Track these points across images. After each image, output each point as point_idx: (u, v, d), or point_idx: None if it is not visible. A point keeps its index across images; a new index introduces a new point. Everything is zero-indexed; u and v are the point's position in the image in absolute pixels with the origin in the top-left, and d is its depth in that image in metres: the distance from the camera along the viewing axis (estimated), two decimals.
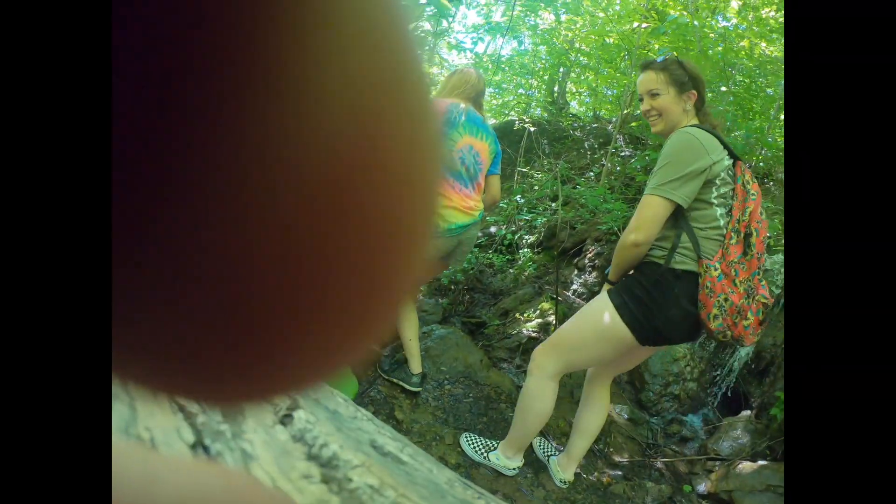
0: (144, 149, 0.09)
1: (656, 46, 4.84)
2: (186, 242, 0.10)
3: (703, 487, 2.32)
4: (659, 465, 2.48)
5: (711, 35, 4.19)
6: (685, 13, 4.25)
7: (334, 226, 0.11)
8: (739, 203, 1.70)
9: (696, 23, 3.88)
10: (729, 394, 2.88)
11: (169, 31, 0.09)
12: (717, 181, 1.69)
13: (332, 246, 0.11)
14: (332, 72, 0.10)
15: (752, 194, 1.70)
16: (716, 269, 1.66)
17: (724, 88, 4.36)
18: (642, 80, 1.88)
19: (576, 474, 2.22)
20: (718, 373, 2.92)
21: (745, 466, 2.28)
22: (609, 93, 6.32)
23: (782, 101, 4.04)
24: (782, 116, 4.34)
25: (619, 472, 2.38)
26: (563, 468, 2.18)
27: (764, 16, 4.57)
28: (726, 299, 1.65)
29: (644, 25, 4.54)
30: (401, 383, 2.52)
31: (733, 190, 1.72)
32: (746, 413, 2.68)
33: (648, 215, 1.70)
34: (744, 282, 1.67)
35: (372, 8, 0.11)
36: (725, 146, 1.75)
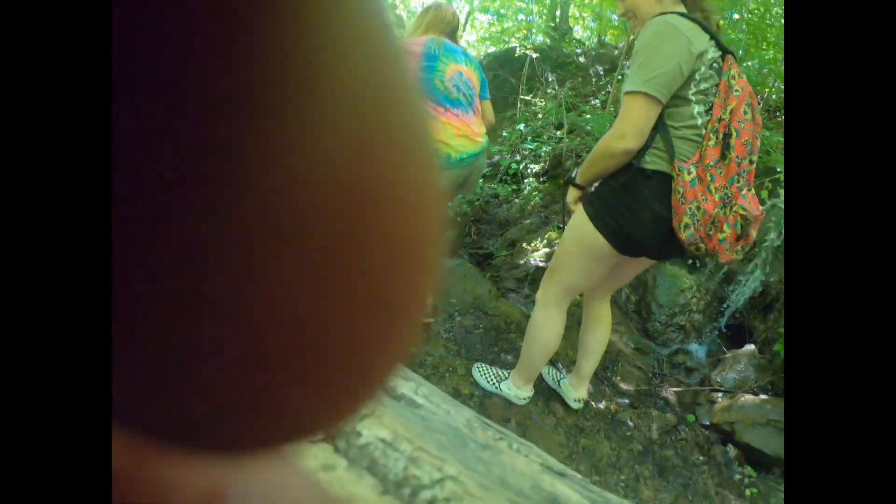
0: (137, 177, 0.09)
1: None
2: (187, 271, 0.10)
3: (706, 418, 2.40)
4: (664, 394, 2.55)
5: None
6: None
7: (340, 251, 0.11)
8: (721, 101, 1.50)
9: None
10: (731, 327, 2.93)
11: (165, 37, 0.09)
12: (697, 75, 1.50)
13: (337, 269, 0.11)
14: (327, 86, 0.10)
15: (736, 90, 1.49)
16: (690, 173, 1.49)
17: (736, 16, 4.20)
18: None
19: (585, 401, 2.28)
20: (726, 305, 2.96)
21: (748, 399, 2.35)
22: (615, 17, 6.09)
23: None
24: None
25: (626, 401, 2.45)
26: (575, 388, 2.21)
27: None
28: (699, 207, 1.48)
29: None
30: None
31: (716, 86, 1.52)
32: (750, 347, 2.74)
33: (639, 118, 1.49)
34: (720, 189, 1.49)
35: (362, 18, 0.11)
36: (713, 36, 1.53)
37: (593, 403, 2.36)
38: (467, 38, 7.17)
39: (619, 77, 4.71)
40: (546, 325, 1.95)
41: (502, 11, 6.51)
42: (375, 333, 0.12)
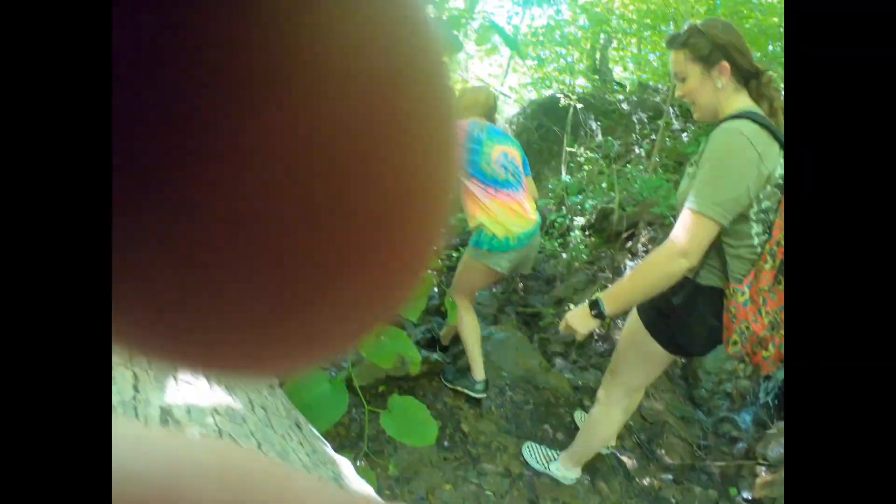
0: (150, 139, 0.09)
1: (702, 11, 4.62)
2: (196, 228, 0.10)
3: (748, 492, 2.49)
4: (709, 468, 2.64)
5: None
6: None
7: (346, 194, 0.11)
8: (783, 222, 1.43)
9: None
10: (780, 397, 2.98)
11: (171, 20, 0.09)
12: (762, 195, 1.43)
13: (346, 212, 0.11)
14: (339, 60, 0.10)
15: None
16: (743, 294, 1.48)
17: None
18: (671, 63, 1.61)
19: (630, 478, 2.41)
20: (769, 378, 3.02)
21: None
22: (653, 58, 6.12)
23: None
24: None
25: (670, 476, 2.56)
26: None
27: None
28: (748, 327, 1.49)
29: None
30: (465, 391, 2.73)
31: (779, 202, 1.45)
32: None
33: (703, 238, 1.43)
34: (770, 313, 1.49)
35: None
36: (782, 144, 1.42)
37: (637, 479, 2.49)
38: (509, 82, 7.33)
39: (663, 125, 4.77)
40: (604, 423, 2.06)
41: (542, 54, 6.64)
42: (387, 256, 0.12)
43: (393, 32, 0.11)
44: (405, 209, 0.12)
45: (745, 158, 1.39)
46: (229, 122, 0.09)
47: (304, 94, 0.10)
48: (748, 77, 1.52)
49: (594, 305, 1.57)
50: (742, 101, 1.52)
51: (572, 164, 5.26)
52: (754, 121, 1.42)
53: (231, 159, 0.10)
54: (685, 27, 1.58)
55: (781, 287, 1.50)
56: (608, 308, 1.56)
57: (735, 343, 1.53)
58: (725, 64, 1.49)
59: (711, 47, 1.49)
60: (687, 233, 1.45)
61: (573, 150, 5.33)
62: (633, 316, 1.81)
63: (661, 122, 4.88)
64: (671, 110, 5.24)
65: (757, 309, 1.49)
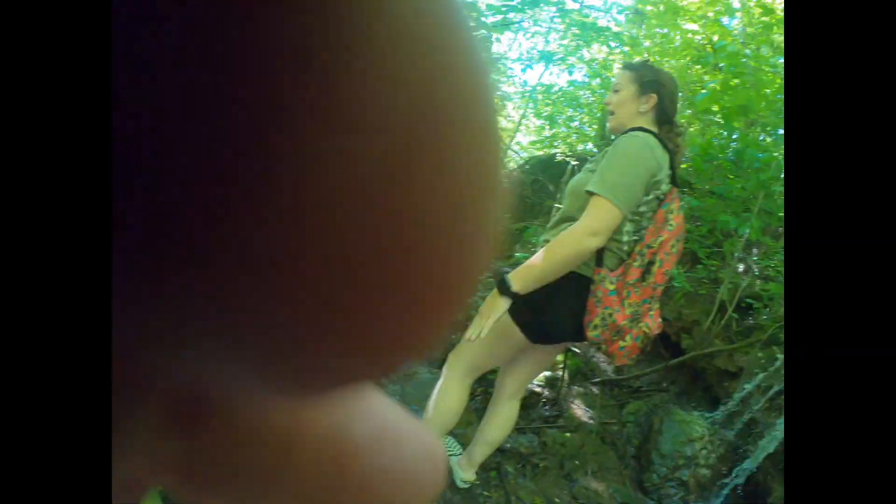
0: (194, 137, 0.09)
1: (707, 78, 4.47)
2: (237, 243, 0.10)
3: None
4: None
5: (767, 69, 3.76)
6: (736, 41, 3.88)
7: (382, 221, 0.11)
8: (655, 229, 1.62)
9: (747, 51, 3.49)
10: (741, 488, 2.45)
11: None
12: (644, 199, 1.61)
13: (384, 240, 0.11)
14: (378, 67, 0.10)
15: (671, 225, 1.63)
16: (612, 283, 1.61)
17: (781, 131, 3.90)
18: (615, 77, 1.85)
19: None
20: (737, 465, 2.50)
21: None
22: None
23: None
24: None
25: None
26: (464, 469, 2.17)
27: None
28: (611, 314, 1.60)
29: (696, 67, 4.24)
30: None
31: (654, 212, 1.63)
32: None
33: (609, 220, 1.54)
34: (633, 304, 1.63)
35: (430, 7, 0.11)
36: (673, 170, 1.66)
37: None
38: (519, 138, 7.21)
39: None
40: (447, 393, 1.91)
41: (555, 116, 6.55)
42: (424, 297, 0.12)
43: (440, 61, 0.11)
44: (444, 241, 0.12)
45: (644, 159, 1.58)
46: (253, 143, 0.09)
47: (342, 126, 0.10)
48: (664, 121, 1.73)
49: (501, 284, 1.58)
50: (651, 128, 1.72)
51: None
52: (656, 137, 1.64)
53: (258, 181, 0.10)
54: (643, 59, 1.89)
55: (646, 283, 1.63)
56: (516, 285, 1.56)
57: (595, 328, 1.62)
58: (654, 97, 1.70)
59: (652, 81, 1.71)
60: (597, 214, 1.54)
61: (560, 206, 5.02)
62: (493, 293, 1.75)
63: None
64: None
65: (621, 300, 1.61)
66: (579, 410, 2.99)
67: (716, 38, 4.40)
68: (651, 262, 1.63)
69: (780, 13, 4.06)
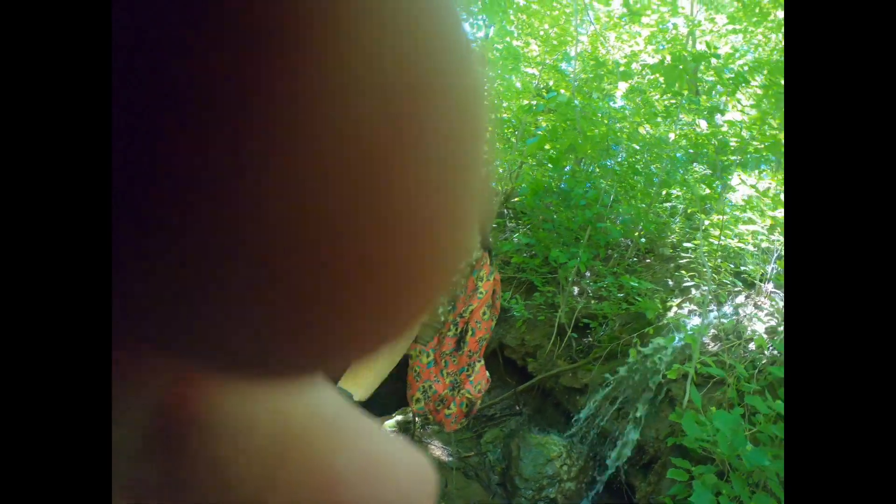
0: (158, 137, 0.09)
1: (540, 120, 4.87)
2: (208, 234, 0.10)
3: None
4: None
5: (597, 116, 4.22)
6: (567, 91, 4.31)
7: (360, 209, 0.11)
8: (466, 297, 1.64)
9: (576, 101, 3.88)
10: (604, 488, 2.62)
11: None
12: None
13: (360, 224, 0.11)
14: (365, 61, 0.10)
15: (481, 292, 1.63)
16: (428, 357, 1.62)
17: (611, 163, 4.38)
18: None
19: None
20: (596, 474, 2.67)
21: None
22: (497, 164, 6.33)
23: (665, 178, 4.10)
24: (664, 192, 4.41)
25: None
26: None
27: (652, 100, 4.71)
28: (430, 386, 1.62)
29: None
30: None
31: (466, 279, 1.64)
32: None
33: None
34: (451, 374, 1.65)
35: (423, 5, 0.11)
36: (483, 235, 1.66)
37: None
38: None
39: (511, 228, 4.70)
40: None
41: None
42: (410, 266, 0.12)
43: (428, 46, 0.11)
44: (426, 218, 0.12)
45: None
46: (239, 128, 0.09)
47: (327, 106, 0.10)
48: None
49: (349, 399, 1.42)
50: None
51: None
52: None
53: (242, 167, 0.10)
54: None
55: (461, 353, 1.65)
56: (359, 395, 1.53)
57: (418, 401, 1.63)
58: None
59: None
60: None
61: None
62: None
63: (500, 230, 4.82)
64: (507, 212, 5.25)
65: (440, 370, 1.63)
66: (437, 450, 2.98)
67: (552, 82, 4.88)
68: (464, 332, 1.65)
69: (612, 64, 4.62)
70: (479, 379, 1.70)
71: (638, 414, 2.63)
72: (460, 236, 0.13)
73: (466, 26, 0.12)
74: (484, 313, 1.65)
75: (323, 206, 0.10)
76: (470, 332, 1.64)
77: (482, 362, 1.72)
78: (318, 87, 0.09)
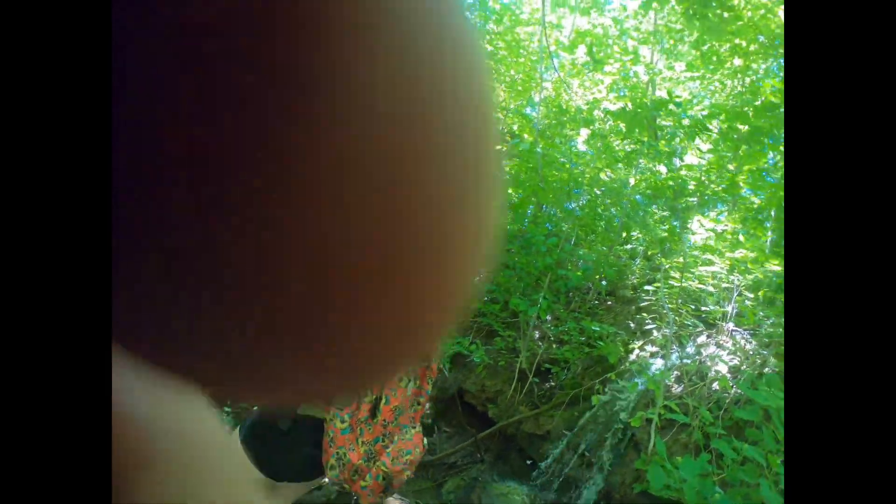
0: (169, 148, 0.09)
1: (504, 164, 4.90)
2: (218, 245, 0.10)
3: None
4: None
5: (560, 160, 4.26)
6: (530, 137, 4.36)
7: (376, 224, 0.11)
8: None
9: (538, 149, 3.92)
10: None
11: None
12: None
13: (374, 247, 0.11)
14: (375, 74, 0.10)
15: None
16: (343, 422, 1.56)
17: (573, 205, 4.42)
18: None
19: None
20: None
21: None
22: None
23: (626, 220, 4.14)
24: (623, 234, 4.45)
25: None
26: None
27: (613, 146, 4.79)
28: (345, 453, 1.55)
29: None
30: None
31: None
32: None
33: None
34: (367, 443, 1.58)
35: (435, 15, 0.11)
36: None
37: None
38: None
39: None
40: None
41: None
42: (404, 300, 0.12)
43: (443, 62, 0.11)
44: (437, 244, 0.12)
45: None
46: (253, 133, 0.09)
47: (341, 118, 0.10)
48: None
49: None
50: None
51: None
52: None
53: (259, 175, 0.10)
54: None
55: (375, 421, 1.58)
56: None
57: (333, 468, 1.56)
58: None
59: None
60: None
61: None
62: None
63: None
64: None
65: (355, 438, 1.56)
66: (395, 501, 2.84)
67: (516, 127, 4.93)
68: (378, 399, 1.60)
69: (574, 110, 4.71)
70: (404, 448, 1.60)
71: (602, 462, 2.55)
72: (477, 251, 0.13)
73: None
74: (400, 379, 1.58)
75: (346, 217, 0.10)
76: (384, 400, 1.57)
77: (417, 429, 1.63)
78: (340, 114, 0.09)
